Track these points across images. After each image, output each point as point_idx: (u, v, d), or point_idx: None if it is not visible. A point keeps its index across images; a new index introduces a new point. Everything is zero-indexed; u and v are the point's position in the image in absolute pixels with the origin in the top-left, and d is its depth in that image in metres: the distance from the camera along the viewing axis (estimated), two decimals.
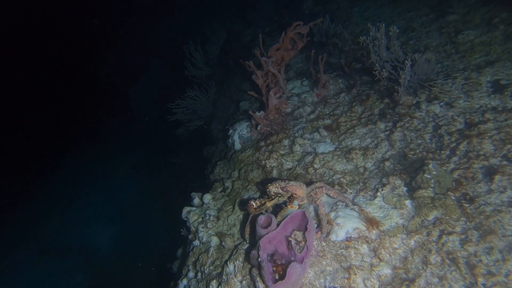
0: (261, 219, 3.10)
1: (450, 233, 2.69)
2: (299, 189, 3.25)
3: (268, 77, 5.09)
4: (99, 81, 16.11)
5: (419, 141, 3.77)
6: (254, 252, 3.01)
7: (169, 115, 8.19)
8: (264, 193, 3.56)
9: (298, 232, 3.01)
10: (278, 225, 3.01)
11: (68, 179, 13.49)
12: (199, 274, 3.85)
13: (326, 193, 3.42)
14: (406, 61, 3.94)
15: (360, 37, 4.40)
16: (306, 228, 2.93)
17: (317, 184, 3.47)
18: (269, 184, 3.30)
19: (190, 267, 4.06)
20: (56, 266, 9.80)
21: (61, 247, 10.43)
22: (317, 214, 3.28)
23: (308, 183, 3.81)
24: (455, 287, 2.42)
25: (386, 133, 4.11)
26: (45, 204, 12.55)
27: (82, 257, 9.70)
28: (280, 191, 3.22)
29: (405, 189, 3.27)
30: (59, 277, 9.28)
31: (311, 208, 3.40)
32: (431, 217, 2.89)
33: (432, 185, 3.07)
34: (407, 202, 3.12)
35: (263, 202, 3.32)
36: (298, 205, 3.23)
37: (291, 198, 3.21)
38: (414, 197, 3.11)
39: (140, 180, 11.23)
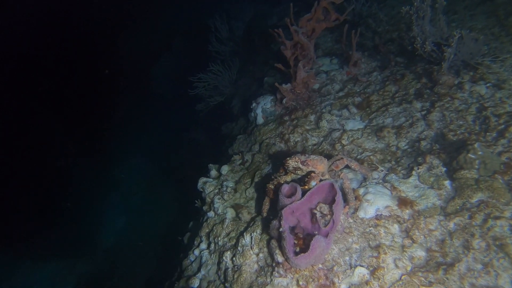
0: (285, 188, 2.88)
1: (497, 218, 2.41)
2: (320, 164, 2.98)
3: (297, 49, 4.81)
4: (120, 60, 16.04)
5: (460, 122, 3.46)
6: (275, 222, 2.80)
7: (190, 91, 8.00)
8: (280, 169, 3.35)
9: (324, 205, 2.78)
10: (303, 195, 2.78)
11: (85, 154, 13.55)
12: (212, 245, 3.68)
13: (348, 165, 3.16)
14: (454, 35, 3.60)
15: (403, 8, 4.06)
16: (333, 201, 2.69)
17: (337, 156, 3.21)
18: (288, 158, 3.05)
19: (203, 238, 3.89)
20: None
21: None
22: (342, 189, 3.02)
23: (329, 157, 3.57)
24: (503, 276, 2.15)
25: (423, 113, 3.80)
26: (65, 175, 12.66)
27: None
28: (300, 165, 2.96)
29: (444, 169, 2.98)
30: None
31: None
32: (474, 200, 2.60)
33: (477, 166, 2.78)
34: (446, 183, 2.83)
35: (280, 180, 3.09)
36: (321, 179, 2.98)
37: (309, 176, 2.93)
38: (454, 177, 2.83)
39: (157, 156, 11.17)
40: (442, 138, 3.36)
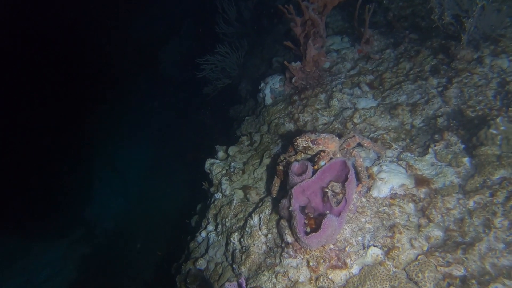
0: (295, 166, 2.76)
1: None
2: (332, 142, 2.84)
3: (308, 26, 4.62)
4: (129, 44, 15.94)
5: (480, 98, 3.27)
6: (284, 201, 2.69)
7: (197, 73, 7.87)
8: (289, 148, 3.22)
9: (335, 183, 2.66)
10: (314, 173, 2.66)
11: (93, 136, 13.60)
12: (220, 226, 3.60)
13: (360, 143, 3.02)
14: (477, 2, 3.38)
15: None
16: (346, 179, 2.57)
17: (349, 134, 3.07)
18: (297, 137, 2.91)
19: (211, 220, 3.82)
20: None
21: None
22: (354, 167, 2.89)
23: (340, 135, 3.43)
24: None
25: (439, 89, 3.62)
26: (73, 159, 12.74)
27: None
28: (310, 144, 2.82)
29: (462, 146, 2.82)
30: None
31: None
32: (496, 177, 2.46)
33: (499, 142, 2.62)
34: (465, 160, 2.68)
35: (290, 160, 2.97)
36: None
37: (318, 156, 2.80)
38: (474, 154, 2.67)
39: (164, 138, 11.14)
40: (460, 115, 3.19)
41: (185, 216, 5.49)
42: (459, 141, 2.87)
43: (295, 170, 2.74)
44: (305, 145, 2.87)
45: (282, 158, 3.17)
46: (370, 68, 4.51)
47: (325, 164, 2.65)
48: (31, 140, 11.83)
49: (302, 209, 2.70)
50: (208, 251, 3.51)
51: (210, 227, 3.77)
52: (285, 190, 3.07)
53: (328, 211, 2.58)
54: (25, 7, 14.27)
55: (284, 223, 2.73)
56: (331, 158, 2.76)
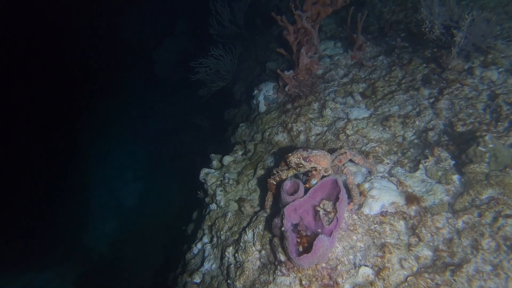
0: (287, 184, 2.79)
1: (509, 216, 2.31)
2: (323, 159, 2.88)
3: (300, 34, 4.62)
4: (122, 44, 15.81)
5: (470, 111, 3.31)
6: (277, 220, 2.73)
7: (191, 76, 7.84)
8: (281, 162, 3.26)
9: (327, 202, 2.70)
10: (305, 192, 2.70)
11: (87, 138, 13.54)
12: (215, 239, 3.64)
13: (351, 159, 3.06)
14: (465, 17, 3.40)
15: None
16: (337, 199, 2.60)
17: (341, 151, 3.11)
18: (290, 154, 2.95)
19: (206, 231, 3.86)
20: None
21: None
22: (345, 185, 2.92)
23: (332, 151, 3.46)
24: None
25: (431, 100, 3.65)
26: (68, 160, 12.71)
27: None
28: (302, 161, 2.86)
29: (452, 162, 2.86)
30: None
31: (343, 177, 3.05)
32: (484, 196, 2.50)
33: (487, 159, 2.66)
34: (455, 177, 2.72)
35: (282, 175, 3.00)
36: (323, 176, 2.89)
37: (310, 174, 2.82)
38: (463, 172, 2.71)
39: (158, 141, 11.12)
40: (451, 128, 3.22)
41: (181, 222, 5.53)
42: (449, 157, 2.91)
43: (287, 188, 2.77)
44: (297, 162, 2.90)
45: (275, 172, 3.20)
46: (363, 76, 4.53)
47: (316, 183, 2.69)
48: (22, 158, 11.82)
49: (295, 226, 2.74)
50: (203, 264, 3.55)
51: (206, 239, 3.81)
52: (277, 205, 3.11)
53: (320, 230, 2.62)
54: (14, 7, 14.09)
55: (277, 241, 2.77)
56: (322, 176, 2.79)
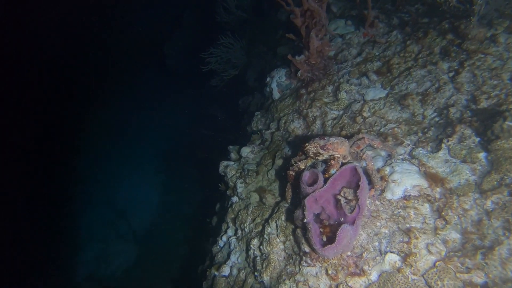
0: (306, 175, 2.76)
1: None
2: (341, 146, 2.82)
3: (308, 16, 4.48)
4: (132, 39, 15.88)
5: (495, 82, 3.15)
6: (298, 212, 2.71)
7: (202, 67, 7.81)
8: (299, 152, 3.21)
9: (348, 190, 2.65)
10: (325, 182, 2.66)
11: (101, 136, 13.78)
12: (239, 231, 3.67)
13: (369, 144, 2.98)
14: None
15: None
16: (357, 186, 2.55)
17: (358, 136, 3.04)
18: (306, 144, 2.90)
19: (230, 224, 3.90)
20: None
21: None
22: (365, 171, 2.85)
23: (349, 137, 3.38)
24: None
25: (450, 74, 3.49)
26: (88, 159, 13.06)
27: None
28: (319, 150, 2.81)
29: (477, 139, 2.75)
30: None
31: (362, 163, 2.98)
32: None
33: None
34: (481, 155, 2.62)
35: (300, 165, 2.97)
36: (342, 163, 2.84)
37: (328, 164, 2.76)
38: (490, 149, 2.60)
39: (174, 134, 11.23)
40: (474, 103, 3.08)
41: (204, 214, 5.61)
42: (474, 133, 2.79)
43: (306, 179, 2.74)
44: (314, 151, 2.86)
45: (293, 162, 3.17)
46: (376, 54, 4.38)
47: (335, 172, 2.64)
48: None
49: (317, 216, 2.72)
50: (230, 257, 3.60)
51: (230, 232, 3.85)
52: (298, 195, 3.09)
53: (342, 218, 2.59)
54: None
55: (300, 232, 2.76)
56: (342, 164, 2.74)
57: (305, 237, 2.67)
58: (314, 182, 2.74)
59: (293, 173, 3.05)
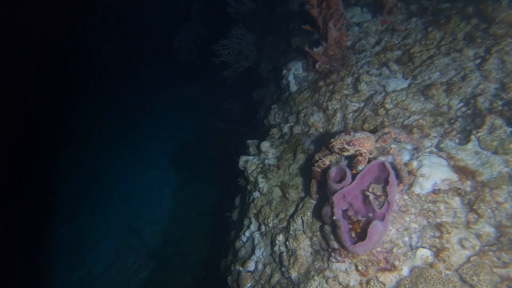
0: (333, 171, 2.73)
1: None
2: (367, 141, 2.78)
3: (324, 6, 4.39)
4: (141, 33, 15.86)
5: None
6: (326, 209, 2.70)
7: (214, 59, 7.77)
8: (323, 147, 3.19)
9: (376, 185, 2.63)
10: (353, 178, 2.63)
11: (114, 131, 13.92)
12: (263, 227, 3.69)
13: (395, 138, 2.94)
14: None
15: None
16: (386, 181, 2.53)
17: (384, 130, 2.99)
18: (332, 140, 2.87)
19: (253, 220, 3.91)
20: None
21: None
22: (393, 166, 2.81)
23: (374, 131, 3.33)
24: None
25: (477, 62, 3.39)
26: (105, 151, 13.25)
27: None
28: (345, 145, 2.78)
29: (509, 129, 2.68)
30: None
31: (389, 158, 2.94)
32: None
33: None
34: None
35: (325, 161, 2.95)
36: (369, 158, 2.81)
37: (355, 160, 2.72)
38: None
39: (189, 128, 11.27)
40: (504, 91, 2.99)
41: (223, 209, 5.64)
42: (505, 123, 2.72)
43: (333, 176, 2.72)
44: (340, 147, 2.83)
45: (317, 158, 3.15)
46: (396, 42, 4.28)
47: (363, 168, 2.61)
48: None
49: (345, 212, 2.71)
50: (255, 252, 3.62)
51: (253, 227, 3.87)
52: (323, 190, 3.08)
53: (371, 214, 2.57)
54: None
55: (328, 228, 2.75)
56: (368, 161, 2.71)
57: (334, 234, 2.67)
58: (341, 178, 2.72)
59: (319, 170, 3.03)
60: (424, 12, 4.33)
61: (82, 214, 11.02)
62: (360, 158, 2.66)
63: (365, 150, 2.80)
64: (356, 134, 2.80)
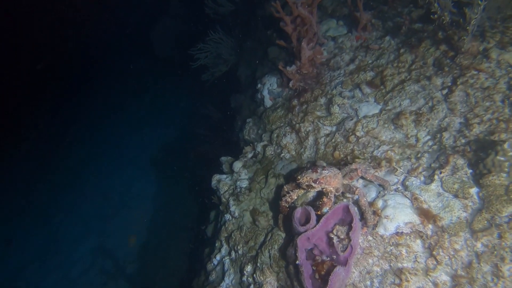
0: (298, 212, 2.75)
1: None
2: (334, 180, 2.80)
3: (298, 23, 4.32)
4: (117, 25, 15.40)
5: (487, 104, 3.10)
6: (291, 250, 2.72)
7: (192, 63, 7.61)
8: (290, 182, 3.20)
9: (341, 228, 2.65)
10: (318, 219, 2.65)
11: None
12: (233, 253, 3.69)
13: (362, 176, 2.97)
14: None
15: None
16: (350, 226, 2.55)
17: (352, 166, 3.02)
18: (299, 176, 2.88)
19: (224, 243, 3.92)
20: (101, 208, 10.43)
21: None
22: (358, 206, 2.83)
23: (344, 160, 3.35)
24: None
25: (444, 92, 3.42)
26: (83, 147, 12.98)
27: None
28: (312, 183, 2.80)
29: (469, 171, 2.73)
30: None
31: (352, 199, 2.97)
32: (504, 214, 2.39)
33: (507, 169, 2.51)
34: (473, 191, 2.60)
35: (293, 195, 2.98)
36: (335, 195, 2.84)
37: (321, 202, 2.71)
38: (481, 184, 2.58)
39: (168, 131, 11.12)
40: (466, 128, 3.03)
41: (200, 223, 5.62)
42: (466, 164, 2.76)
43: (298, 216, 2.73)
44: (307, 184, 2.84)
45: (286, 191, 3.15)
46: (370, 62, 4.27)
47: (328, 210, 2.62)
48: None
49: (310, 251, 2.73)
50: (224, 278, 3.64)
51: (224, 251, 3.88)
52: (290, 224, 3.09)
53: (335, 256, 2.60)
54: None
55: (292, 269, 2.78)
56: (334, 202, 2.72)
57: (297, 279, 2.69)
58: (306, 218, 2.73)
59: (286, 205, 3.04)
60: (398, 31, 4.32)
61: (57, 215, 10.82)
62: (325, 200, 2.67)
63: (331, 189, 2.81)
64: (323, 172, 2.81)
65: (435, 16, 3.42)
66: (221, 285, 3.61)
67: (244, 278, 3.34)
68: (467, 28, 3.28)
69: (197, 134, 8.22)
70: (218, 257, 3.91)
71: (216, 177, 4.43)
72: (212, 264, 3.97)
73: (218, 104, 8.03)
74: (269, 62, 5.82)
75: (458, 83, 3.33)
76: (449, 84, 3.43)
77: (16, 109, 14.55)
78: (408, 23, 4.27)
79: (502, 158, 2.53)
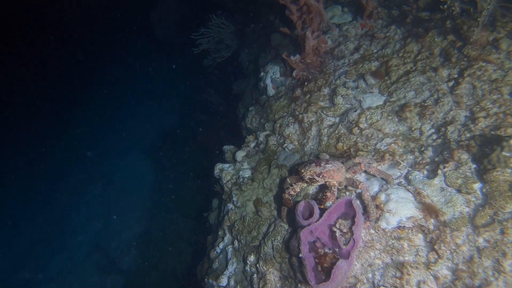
0: (302, 205, 2.76)
1: None
2: (337, 173, 2.80)
3: (304, 11, 4.24)
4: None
5: (494, 97, 3.06)
6: (294, 243, 2.75)
7: (194, 49, 7.50)
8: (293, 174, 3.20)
9: (343, 221, 2.67)
10: (321, 212, 2.66)
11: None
12: (236, 242, 3.74)
13: (366, 170, 2.97)
14: None
15: None
16: (353, 219, 2.57)
17: (355, 160, 3.02)
18: (303, 170, 2.89)
19: (226, 232, 3.96)
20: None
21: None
22: (361, 200, 2.83)
23: (346, 157, 3.33)
24: None
25: (450, 84, 3.38)
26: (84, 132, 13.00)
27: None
28: (315, 177, 2.80)
29: (473, 166, 2.72)
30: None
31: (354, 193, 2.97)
32: (508, 210, 2.40)
33: None
34: (476, 186, 2.60)
35: (296, 188, 2.98)
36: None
37: (324, 196, 2.71)
38: (485, 179, 2.58)
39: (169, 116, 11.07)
40: (472, 122, 3.01)
41: (202, 210, 5.67)
42: (470, 159, 2.75)
43: (301, 210, 2.75)
44: (310, 178, 2.84)
45: (289, 183, 3.16)
46: (375, 51, 4.21)
47: (331, 205, 2.64)
48: None
49: (313, 244, 2.76)
50: (227, 267, 3.69)
51: (227, 240, 3.93)
52: (293, 216, 3.11)
53: (337, 249, 2.63)
54: None
55: (295, 261, 2.81)
56: (337, 196, 2.73)
57: (300, 270, 2.73)
58: (310, 211, 2.75)
59: (289, 197, 3.05)
60: (404, 19, 4.23)
61: (60, 199, 10.93)
62: (328, 194, 2.68)
63: (334, 182, 2.82)
64: (327, 165, 2.81)
65: (445, 6, 3.34)
66: (224, 273, 3.67)
67: (247, 268, 3.39)
68: (478, 19, 3.21)
69: (199, 121, 8.19)
70: (221, 245, 3.96)
71: (219, 166, 4.44)
72: (215, 252, 4.03)
73: (220, 90, 7.97)
74: (272, 50, 5.75)
75: (465, 75, 3.29)
76: (456, 76, 3.39)
77: (20, 94, 14.48)
78: (415, 12, 4.19)
79: (507, 154, 2.52)
